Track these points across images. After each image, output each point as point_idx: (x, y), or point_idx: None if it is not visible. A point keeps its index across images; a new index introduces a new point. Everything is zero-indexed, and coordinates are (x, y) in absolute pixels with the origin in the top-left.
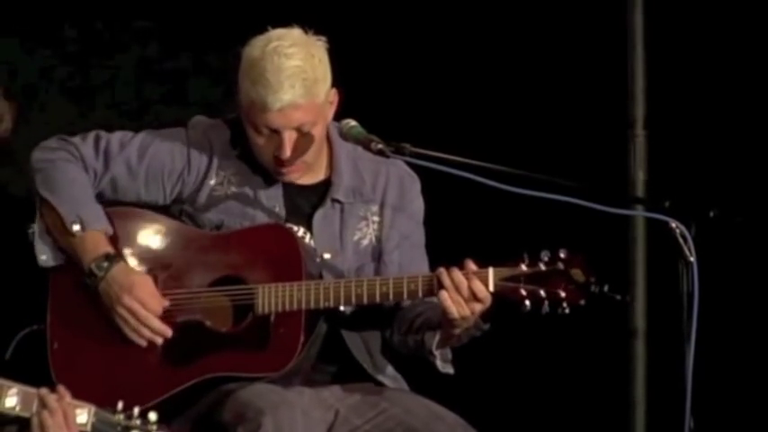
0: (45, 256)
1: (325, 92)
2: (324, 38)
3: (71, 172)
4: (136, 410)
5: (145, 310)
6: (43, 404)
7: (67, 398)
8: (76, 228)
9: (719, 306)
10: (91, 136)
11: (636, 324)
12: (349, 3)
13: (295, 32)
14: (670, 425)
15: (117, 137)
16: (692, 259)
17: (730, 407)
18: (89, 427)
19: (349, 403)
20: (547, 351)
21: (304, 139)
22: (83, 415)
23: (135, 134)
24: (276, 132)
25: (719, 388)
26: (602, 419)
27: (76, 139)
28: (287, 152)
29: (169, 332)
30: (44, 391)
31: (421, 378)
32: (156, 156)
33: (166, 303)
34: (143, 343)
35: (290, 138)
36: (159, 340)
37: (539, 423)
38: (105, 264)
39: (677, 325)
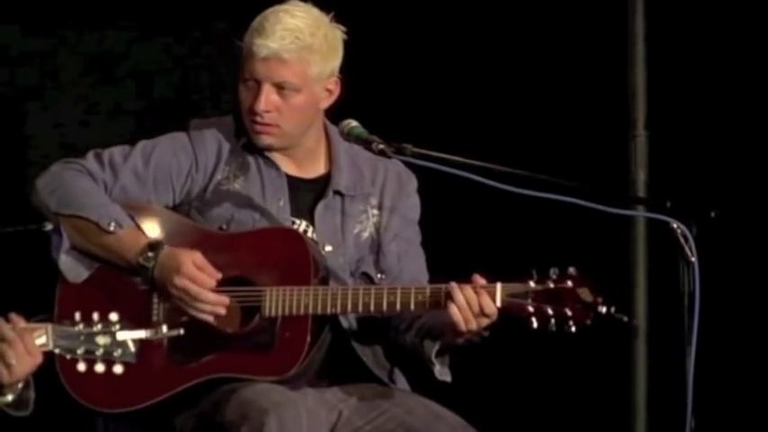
0: (75, 272)
1: (319, 67)
2: (344, 28)
3: (84, 184)
4: (95, 316)
5: (196, 286)
6: (0, 337)
7: (21, 323)
8: (113, 226)
9: (720, 306)
10: (90, 154)
11: (637, 325)
12: (350, 3)
13: (315, 9)
14: (671, 425)
15: (117, 150)
16: (692, 259)
17: (731, 407)
18: (51, 346)
19: (351, 404)
20: (547, 351)
21: (283, 102)
22: (42, 337)
23: (133, 145)
24: (258, 83)
25: (720, 388)
26: (603, 419)
27: (77, 159)
28: (261, 103)
29: (227, 301)
30: None
31: (422, 378)
32: (162, 159)
33: (219, 276)
34: (209, 319)
35: (267, 91)
36: (221, 311)
37: (540, 423)
38: (151, 253)
39: (678, 325)
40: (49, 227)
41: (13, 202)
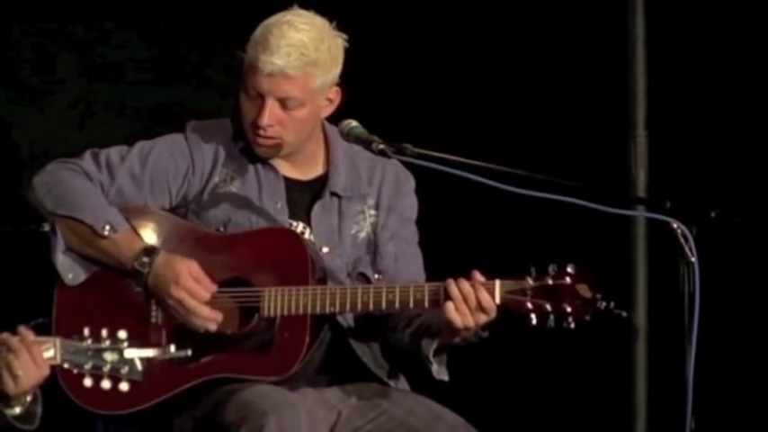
0: (72, 274)
1: (322, 79)
2: (346, 36)
3: (80, 185)
4: (104, 332)
5: (192, 300)
6: (7, 348)
7: (30, 336)
8: (108, 230)
9: (720, 306)
10: (87, 154)
11: (637, 324)
12: (350, 3)
13: (317, 18)
14: (671, 425)
15: (115, 150)
16: (692, 259)
17: (731, 407)
18: (59, 360)
19: (351, 404)
20: (548, 351)
21: (286, 115)
22: (50, 350)
23: (131, 146)
24: (262, 97)
25: (720, 388)
26: (603, 420)
27: (75, 159)
28: (264, 118)
29: (219, 317)
30: (5, 335)
31: (422, 378)
32: (159, 161)
33: (214, 289)
34: (200, 330)
35: (271, 106)
36: (212, 327)
37: (540, 423)
38: (146, 259)
39: (678, 325)
40: (46, 228)
41: (11, 202)
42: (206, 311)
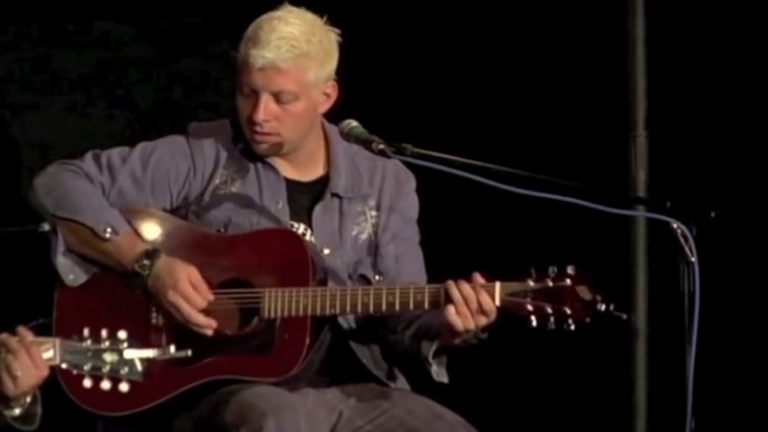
0: (72, 275)
1: (315, 73)
2: (338, 30)
3: (81, 186)
4: (104, 333)
5: (188, 306)
6: (6, 349)
7: (29, 337)
8: (109, 232)
9: (720, 306)
10: (89, 155)
11: (637, 325)
12: (350, 2)
13: (308, 14)
14: (671, 426)
15: (116, 152)
16: (692, 259)
17: (731, 408)
18: (58, 360)
19: (351, 404)
20: (548, 351)
21: (282, 110)
22: (49, 351)
23: (132, 147)
24: (256, 94)
25: (720, 388)
26: (603, 420)
27: (75, 161)
28: (260, 114)
29: (214, 324)
30: (4, 335)
31: (422, 378)
32: (160, 163)
33: (211, 297)
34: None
35: (266, 101)
36: (208, 332)
37: (540, 423)
38: (147, 261)
39: (678, 326)
40: (46, 228)
41: (11, 202)
42: (200, 319)
